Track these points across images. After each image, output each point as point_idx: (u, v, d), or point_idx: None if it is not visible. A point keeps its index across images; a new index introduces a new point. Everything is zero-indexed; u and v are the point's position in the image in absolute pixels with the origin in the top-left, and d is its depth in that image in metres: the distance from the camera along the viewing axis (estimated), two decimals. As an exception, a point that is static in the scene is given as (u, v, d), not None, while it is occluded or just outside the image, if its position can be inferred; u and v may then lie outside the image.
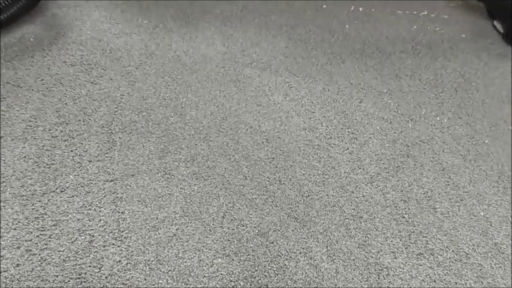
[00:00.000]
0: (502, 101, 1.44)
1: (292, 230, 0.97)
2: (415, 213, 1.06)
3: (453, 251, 0.99)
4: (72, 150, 1.03)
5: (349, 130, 1.24)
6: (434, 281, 0.93)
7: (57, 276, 0.81)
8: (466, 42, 1.69)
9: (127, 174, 1.01)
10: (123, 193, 0.97)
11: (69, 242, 0.86)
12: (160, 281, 0.84)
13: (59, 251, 0.85)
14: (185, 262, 0.88)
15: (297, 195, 1.05)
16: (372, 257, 0.95)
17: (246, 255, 0.91)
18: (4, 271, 0.80)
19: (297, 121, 1.24)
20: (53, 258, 0.83)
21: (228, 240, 0.93)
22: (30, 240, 0.85)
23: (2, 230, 0.86)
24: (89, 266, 0.84)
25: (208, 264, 0.88)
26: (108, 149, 1.05)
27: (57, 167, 0.99)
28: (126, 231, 0.90)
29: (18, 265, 0.81)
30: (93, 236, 0.88)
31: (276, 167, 1.10)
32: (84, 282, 0.81)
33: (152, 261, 0.87)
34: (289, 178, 1.08)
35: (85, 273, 0.82)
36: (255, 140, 1.16)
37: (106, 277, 0.83)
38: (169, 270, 0.86)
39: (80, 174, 0.99)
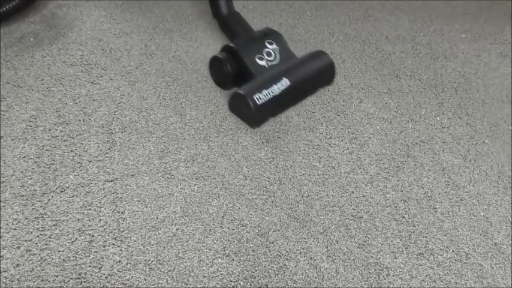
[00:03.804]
0: (502, 101, 1.44)
1: (292, 230, 0.97)
2: (415, 213, 1.06)
3: (453, 251, 0.99)
4: (72, 150, 1.03)
5: (349, 130, 1.24)
6: (434, 281, 0.93)
7: (57, 276, 0.81)
8: (466, 42, 1.69)
9: (127, 174, 1.01)
10: (123, 193, 0.97)
11: (69, 242, 0.86)
12: (160, 281, 0.84)
13: (59, 251, 0.85)
14: (185, 262, 0.88)
15: (297, 195, 1.05)
16: (372, 257, 0.95)
17: (246, 255, 0.91)
18: (4, 271, 0.80)
19: (297, 121, 1.24)
20: (53, 258, 0.83)
21: (228, 240, 0.93)
22: (30, 240, 0.85)
23: (2, 230, 0.86)
24: (89, 266, 0.83)
25: (208, 264, 0.88)
26: (108, 149, 1.05)
27: (57, 167, 0.99)
28: (126, 231, 0.90)
29: (18, 265, 0.81)
30: (93, 236, 0.88)
31: (276, 167, 1.10)
32: (84, 282, 0.81)
33: (152, 261, 0.87)
34: (289, 178, 1.08)
35: (85, 273, 0.82)
36: (255, 140, 1.16)
37: (106, 277, 0.83)
38: (169, 270, 0.86)
39: (80, 174, 0.99)
